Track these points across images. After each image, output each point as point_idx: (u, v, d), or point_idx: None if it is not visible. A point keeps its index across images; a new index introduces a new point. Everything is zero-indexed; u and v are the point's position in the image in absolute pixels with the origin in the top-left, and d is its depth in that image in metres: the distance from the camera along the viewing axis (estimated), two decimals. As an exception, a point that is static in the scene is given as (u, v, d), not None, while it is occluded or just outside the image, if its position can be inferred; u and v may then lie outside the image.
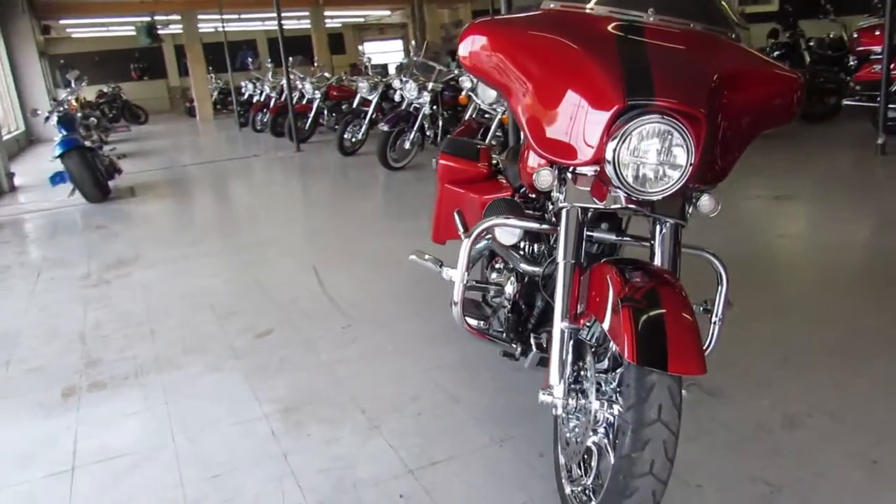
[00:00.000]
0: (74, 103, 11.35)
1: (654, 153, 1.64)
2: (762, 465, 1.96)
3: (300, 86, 10.35)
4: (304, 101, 10.45)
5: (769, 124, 1.97)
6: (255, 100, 13.38)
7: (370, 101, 8.56)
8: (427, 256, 2.36)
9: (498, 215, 2.07)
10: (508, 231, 2.02)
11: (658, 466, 1.43)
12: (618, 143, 1.61)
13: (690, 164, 1.63)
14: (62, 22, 18.10)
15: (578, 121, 1.71)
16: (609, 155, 1.63)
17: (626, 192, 1.68)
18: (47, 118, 7.46)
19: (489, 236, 2.12)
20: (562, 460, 1.85)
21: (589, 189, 1.79)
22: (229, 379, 2.77)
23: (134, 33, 18.04)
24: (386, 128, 7.02)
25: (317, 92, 10.15)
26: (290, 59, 10.34)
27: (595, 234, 1.90)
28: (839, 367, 2.50)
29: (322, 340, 3.07)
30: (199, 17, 17.20)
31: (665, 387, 1.44)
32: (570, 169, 1.80)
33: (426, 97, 7.40)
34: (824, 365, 2.52)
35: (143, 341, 3.24)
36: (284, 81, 9.85)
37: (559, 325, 1.71)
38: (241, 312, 3.53)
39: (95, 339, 3.32)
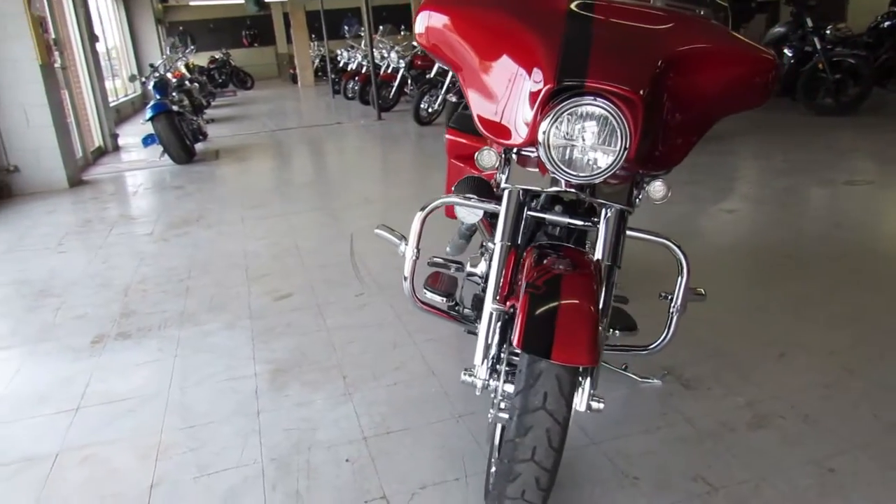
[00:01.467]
0: (182, 69, 12.03)
1: (587, 136, 1.60)
2: (709, 464, 1.89)
3: (386, 55, 10.48)
4: (390, 70, 10.58)
5: (735, 107, 1.86)
6: (349, 68, 13.68)
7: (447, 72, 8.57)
8: (393, 231, 2.38)
9: (461, 193, 2.08)
10: (468, 210, 2.02)
11: (540, 454, 1.42)
12: (549, 124, 1.58)
13: (625, 149, 1.58)
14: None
15: (516, 101, 1.70)
16: (540, 136, 1.60)
17: (560, 175, 1.65)
18: (144, 83, 7.97)
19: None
20: (494, 441, 1.86)
21: (537, 170, 1.77)
22: (237, 338, 2.93)
23: (243, 1, 18.76)
24: (454, 99, 7.01)
25: (401, 61, 10.25)
26: (381, 27, 10.50)
27: (538, 215, 1.87)
28: (837, 368, 2.35)
29: (332, 307, 3.18)
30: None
31: (553, 375, 1.42)
32: (515, 150, 1.78)
33: None
34: (822, 365, 2.37)
35: (176, 297, 3.47)
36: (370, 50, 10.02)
37: (489, 306, 1.72)
38: (270, 275, 3.70)
39: (137, 292, 3.59)
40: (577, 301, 1.47)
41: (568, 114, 1.58)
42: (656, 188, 1.74)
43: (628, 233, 1.88)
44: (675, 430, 2.06)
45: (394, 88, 10.32)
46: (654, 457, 1.94)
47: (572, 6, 1.75)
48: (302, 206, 5.27)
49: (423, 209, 1.98)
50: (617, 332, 2.15)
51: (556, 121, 1.59)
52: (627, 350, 2.01)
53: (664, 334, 1.95)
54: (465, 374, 1.69)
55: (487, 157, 1.79)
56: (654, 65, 1.62)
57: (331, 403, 2.35)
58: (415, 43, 11.60)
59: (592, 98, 1.57)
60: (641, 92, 1.56)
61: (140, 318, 3.22)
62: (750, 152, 6.16)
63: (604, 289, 1.69)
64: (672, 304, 1.94)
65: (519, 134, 1.69)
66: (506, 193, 1.79)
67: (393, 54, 10.35)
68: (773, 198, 4.53)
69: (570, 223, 1.89)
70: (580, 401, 1.63)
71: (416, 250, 1.97)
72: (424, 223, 1.97)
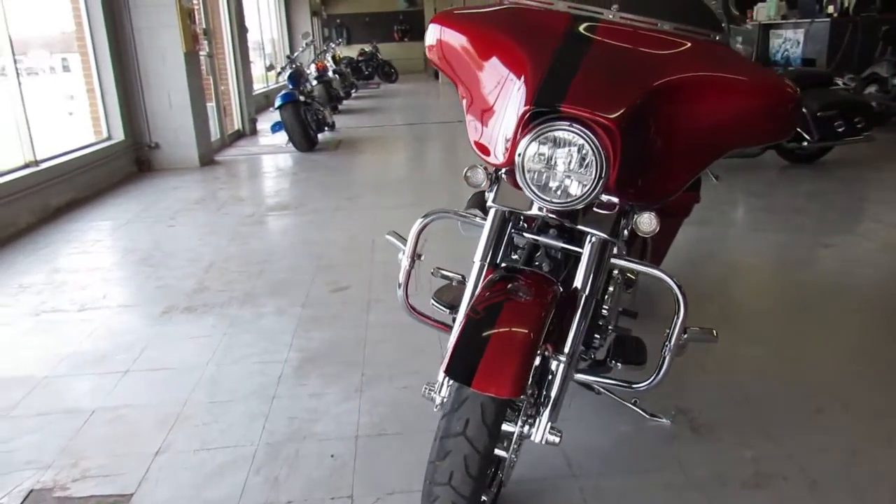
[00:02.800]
0: (329, 60, 12.64)
1: (560, 162, 1.56)
2: (683, 517, 1.78)
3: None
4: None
5: (745, 141, 1.74)
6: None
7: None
8: (401, 238, 2.38)
9: (471, 207, 2.09)
10: (464, 225, 2.02)
11: (457, 480, 1.41)
12: (524, 146, 1.56)
13: (600, 178, 1.52)
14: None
15: (500, 120, 1.69)
16: (517, 159, 1.58)
17: (535, 199, 1.63)
18: (279, 73, 8.49)
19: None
20: None
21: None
22: (284, 323, 3.10)
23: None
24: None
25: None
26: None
27: (529, 236, 1.84)
28: (877, 435, 2.11)
29: (380, 304, 3.27)
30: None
31: (478, 403, 1.41)
32: (504, 169, 1.77)
33: None
34: (861, 428, 2.14)
35: (248, 278, 3.71)
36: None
37: (458, 324, 1.72)
38: (337, 267, 3.86)
39: (217, 269, 3.88)
40: (512, 330, 1.44)
41: (543, 138, 1.55)
42: (643, 221, 1.66)
43: (624, 263, 1.81)
44: (663, 475, 1.95)
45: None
46: (628, 500, 1.86)
47: (574, 27, 1.71)
48: (396, 202, 5.42)
49: (422, 218, 2.01)
50: (618, 364, 2.07)
51: (530, 144, 1.56)
52: (617, 385, 1.93)
53: (654, 374, 1.85)
54: (425, 388, 1.70)
55: (475, 175, 1.78)
56: (641, 92, 1.55)
57: (340, 398, 2.43)
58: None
59: (568, 124, 1.53)
60: (618, 120, 1.50)
61: (209, 295, 3.48)
62: (882, 182, 5.58)
63: (576, 319, 1.64)
64: (665, 343, 1.84)
65: (499, 154, 1.68)
66: (490, 213, 1.78)
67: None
68: (881, 236, 4.10)
69: (561, 247, 1.83)
70: (537, 433, 1.60)
71: (410, 259, 2.00)
72: (421, 234, 1.99)
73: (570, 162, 1.56)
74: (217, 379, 2.61)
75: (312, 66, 11.82)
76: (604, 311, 2.08)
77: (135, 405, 2.44)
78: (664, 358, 1.86)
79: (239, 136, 9.34)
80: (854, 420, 2.19)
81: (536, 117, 1.57)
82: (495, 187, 1.79)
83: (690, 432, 2.14)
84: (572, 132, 1.53)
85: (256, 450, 2.14)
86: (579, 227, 1.72)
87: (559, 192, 1.59)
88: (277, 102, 7.63)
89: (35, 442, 2.23)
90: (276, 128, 7.95)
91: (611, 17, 1.70)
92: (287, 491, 1.94)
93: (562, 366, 1.63)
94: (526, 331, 1.44)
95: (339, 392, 2.47)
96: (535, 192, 1.61)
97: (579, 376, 2.00)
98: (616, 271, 2.21)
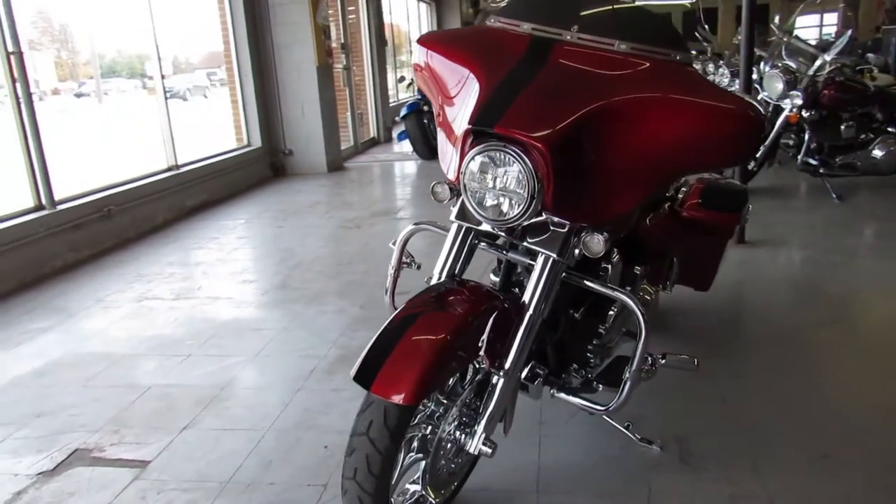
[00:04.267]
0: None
1: (494, 181, 1.61)
2: (628, 545, 1.73)
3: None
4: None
5: (701, 163, 1.69)
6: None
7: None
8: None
9: None
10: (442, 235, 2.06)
11: (360, 476, 1.51)
12: (465, 165, 1.63)
13: (532, 197, 1.56)
14: (490, -4, 20.37)
15: (453, 138, 1.76)
16: (460, 176, 1.66)
17: (478, 216, 1.69)
18: (409, 84, 8.88)
19: None
20: None
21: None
22: (338, 322, 3.31)
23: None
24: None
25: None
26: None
27: (491, 251, 1.88)
28: (880, 487, 1.91)
29: (431, 309, 3.39)
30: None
31: (381, 407, 1.49)
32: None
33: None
34: (863, 479, 1.94)
35: (326, 279, 3.98)
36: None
37: None
38: (408, 274, 4.02)
39: (302, 268, 4.19)
40: (419, 340, 1.51)
41: (480, 157, 1.61)
42: (591, 241, 1.67)
43: (589, 284, 1.81)
44: (628, 501, 1.91)
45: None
46: (582, 521, 1.84)
47: (533, 48, 1.74)
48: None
49: (405, 230, 2.11)
50: (601, 386, 2.06)
51: (470, 162, 1.62)
52: (586, 407, 1.92)
53: (616, 398, 1.83)
54: None
55: (439, 192, 1.86)
56: (578, 113, 1.56)
57: (355, 394, 2.58)
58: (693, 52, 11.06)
59: (502, 144, 1.57)
60: (549, 141, 1.52)
61: (286, 292, 3.78)
62: None
63: (518, 335, 1.67)
64: (626, 368, 1.82)
65: (451, 170, 1.75)
66: (452, 227, 1.85)
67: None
68: None
69: (527, 263, 1.86)
70: (472, 443, 1.66)
71: (395, 268, 2.11)
72: (406, 244, 2.09)
73: (506, 181, 1.60)
74: (260, 368, 2.86)
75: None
76: (600, 331, 2.07)
77: (182, 385, 2.74)
78: (625, 382, 1.83)
79: (373, 143, 9.85)
80: (859, 470, 1.99)
81: (479, 136, 1.63)
82: (458, 202, 1.86)
83: (678, 461, 2.06)
84: (505, 152, 1.57)
85: (264, 434, 2.34)
86: (525, 244, 1.75)
87: (493, 210, 1.64)
88: (402, 112, 7.99)
89: (95, 409, 2.59)
90: (401, 136, 8.33)
91: (569, 37, 1.71)
92: (274, 474, 2.12)
93: (501, 381, 1.67)
94: (434, 341, 1.51)
95: (355, 391, 2.62)
96: (475, 209, 1.67)
97: (560, 395, 2.01)
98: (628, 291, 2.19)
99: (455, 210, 1.85)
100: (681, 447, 2.13)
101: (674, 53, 1.68)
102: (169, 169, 5.93)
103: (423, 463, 1.70)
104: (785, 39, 5.22)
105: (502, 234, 1.76)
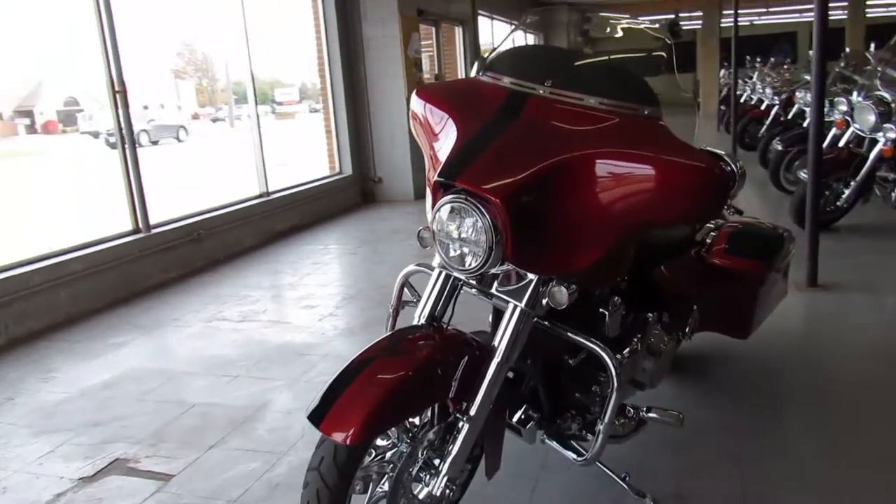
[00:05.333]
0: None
1: (455, 232, 1.68)
2: None
3: (759, 88, 9.71)
4: (763, 107, 9.75)
5: (665, 219, 1.68)
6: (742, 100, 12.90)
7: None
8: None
9: None
10: None
11: (313, 508, 1.59)
12: (434, 214, 1.71)
13: (489, 249, 1.62)
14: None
15: (430, 188, 1.84)
16: (431, 225, 1.74)
17: (445, 264, 1.75)
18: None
19: None
20: None
21: None
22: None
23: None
24: (780, 147, 6.30)
25: (776, 97, 9.35)
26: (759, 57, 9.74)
27: (474, 292, 1.92)
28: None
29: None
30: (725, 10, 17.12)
31: (332, 445, 1.58)
32: None
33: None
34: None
35: (381, 308, 4.12)
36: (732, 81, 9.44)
37: None
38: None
39: (361, 297, 4.36)
40: (371, 382, 1.59)
41: (448, 207, 1.68)
42: (555, 293, 1.69)
43: (561, 331, 1.83)
44: (603, 555, 1.88)
45: (764, 126, 9.46)
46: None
47: (508, 102, 1.80)
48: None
49: (403, 272, 2.19)
50: (588, 434, 2.05)
51: (438, 212, 1.70)
52: (566, 456, 1.92)
53: (590, 450, 1.83)
54: None
55: (426, 236, 1.93)
56: (537, 167, 1.61)
57: (374, 425, 2.68)
58: (807, 75, 10.47)
59: (463, 197, 1.64)
60: (505, 195, 1.57)
61: (335, 320, 3.95)
62: None
63: (485, 382, 1.71)
64: (599, 420, 1.81)
65: (429, 218, 1.83)
66: (434, 272, 1.92)
67: (767, 88, 9.50)
68: None
69: (501, 306, 1.87)
70: (435, 484, 1.71)
71: (393, 308, 2.19)
72: (405, 283, 2.17)
73: (468, 232, 1.66)
74: (295, 394, 3.02)
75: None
76: (601, 378, 2.07)
77: (222, 405, 2.95)
78: (598, 434, 1.82)
79: (466, 170, 10.01)
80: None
81: (448, 187, 1.70)
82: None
83: (665, 517, 2.01)
84: (464, 205, 1.64)
85: (280, 459, 2.49)
86: (493, 292, 1.79)
87: (457, 260, 1.70)
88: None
89: (142, 422, 2.83)
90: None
91: (542, 91, 1.75)
92: (277, 499, 2.25)
93: (465, 426, 1.71)
94: (385, 383, 1.58)
95: (376, 420, 2.72)
96: (443, 257, 1.74)
97: (548, 441, 2.03)
98: (635, 340, 2.18)
99: (437, 255, 1.92)
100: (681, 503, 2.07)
101: (642, 108, 1.68)
102: (260, 196, 6.33)
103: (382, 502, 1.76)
104: (880, 69, 4.89)
105: (472, 282, 1.81)
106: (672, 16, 18.01)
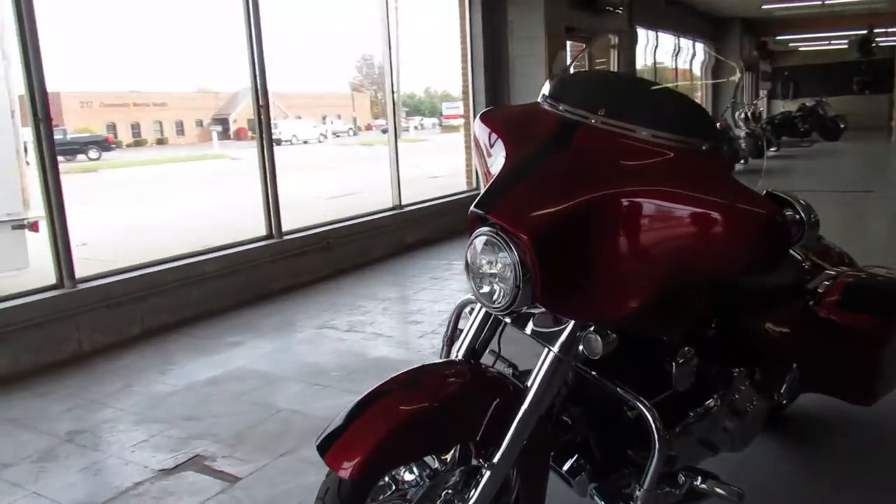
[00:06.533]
0: (731, 119, 12.19)
1: (486, 267, 1.60)
2: None
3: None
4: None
5: (715, 269, 1.48)
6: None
7: None
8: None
9: None
10: None
11: (318, 539, 1.56)
12: (467, 249, 1.65)
13: (517, 287, 1.52)
14: (781, 38, 18.85)
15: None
16: (466, 257, 1.67)
17: (477, 298, 1.67)
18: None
19: None
20: None
21: None
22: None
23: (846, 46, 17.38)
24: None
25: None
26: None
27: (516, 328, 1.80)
28: None
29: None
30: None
31: (336, 477, 1.54)
32: None
33: None
34: None
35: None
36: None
37: None
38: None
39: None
40: (381, 416, 1.53)
41: (480, 240, 1.60)
42: (590, 340, 1.57)
43: (599, 380, 1.69)
44: None
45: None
46: None
47: (559, 130, 1.68)
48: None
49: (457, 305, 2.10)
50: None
51: (471, 245, 1.63)
52: None
53: None
54: None
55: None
56: (573, 203, 1.48)
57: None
58: None
59: (495, 231, 1.56)
60: (534, 232, 1.47)
61: (434, 338, 3.92)
62: None
63: (511, 429, 1.61)
64: (636, 485, 1.65)
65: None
66: (477, 306, 1.84)
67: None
68: None
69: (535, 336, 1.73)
70: None
71: (445, 344, 2.10)
72: (459, 316, 2.09)
73: (499, 268, 1.57)
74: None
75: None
76: (667, 436, 1.88)
77: (305, 413, 3.02)
78: (635, 500, 1.65)
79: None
80: None
81: (485, 219, 1.62)
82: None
83: None
84: (495, 239, 1.55)
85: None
86: (526, 332, 1.68)
87: (487, 297, 1.61)
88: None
89: (230, 422, 2.97)
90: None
91: (594, 121, 1.62)
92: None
93: (487, 472, 1.62)
94: (394, 419, 1.52)
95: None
96: (475, 293, 1.65)
97: (594, 496, 1.88)
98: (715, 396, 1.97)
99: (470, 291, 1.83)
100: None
101: (700, 142, 1.50)
102: (393, 208, 6.50)
103: None
104: None
105: (507, 320, 1.71)
106: (864, 31, 16.39)
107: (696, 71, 15.67)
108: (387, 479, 1.75)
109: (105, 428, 2.98)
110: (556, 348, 1.60)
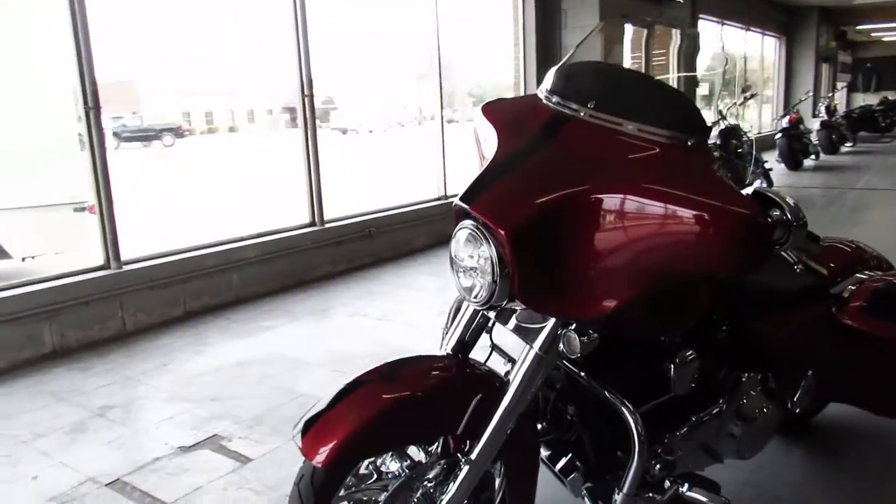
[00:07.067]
0: (795, 113, 11.71)
1: (467, 260, 1.60)
2: None
3: None
4: None
5: (691, 268, 1.43)
6: None
7: None
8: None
9: None
10: None
11: (293, 526, 1.59)
12: (452, 241, 1.65)
13: (494, 282, 1.51)
14: (862, 27, 17.90)
15: None
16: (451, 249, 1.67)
17: (459, 291, 1.67)
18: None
19: None
20: None
21: None
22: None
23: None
24: None
25: None
26: None
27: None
28: None
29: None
30: None
31: (310, 467, 1.56)
32: None
33: None
34: None
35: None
36: None
37: None
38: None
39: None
40: (355, 407, 1.55)
41: (462, 233, 1.60)
42: (569, 339, 1.54)
43: (581, 380, 1.67)
44: None
45: None
46: None
47: (549, 124, 1.66)
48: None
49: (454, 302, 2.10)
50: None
51: (454, 237, 1.63)
52: None
53: None
54: None
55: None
56: (552, 198, 1.46)
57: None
58: None
59: (475, 225, 1.55)
60: (511, 229, 1.45)
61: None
62: None
63: (490, 426, 1.60)
64: (616, 488, 1.62)
65: (455, 243, 1.75)
66: (463, 303, 1.83)
67: None
68: None
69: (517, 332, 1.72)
70: None
71: (445, 330, 2.11)
72: (458, 308, 2.09)
73: (479, 261, 1.56)
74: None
75: (784, 120, 11.21)
76: (665, 438, 1.84)
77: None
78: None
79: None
80: None
81: (468, 213, 1.60)
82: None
83: None
84: (474, 233, 1.54)
85: (348, 461, 2.53)
86: (508, 328, 1.67)
87: (466, 290, 1.60)
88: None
89: (251, 404, 3.05)
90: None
91: (582, 114, 1.58)
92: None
93: (465, 468, 1.62)
94: (371, 410, 1.53)
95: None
96: (458, 286, 1.65)
97: (585, 497, 1.86)
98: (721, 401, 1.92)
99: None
100: None
101: (686, 137, 1.44)
102: (438, 199, 6.51)
103: None
104: None
105: (490, 315, 1.70)
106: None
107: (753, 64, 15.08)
108: (370, 468, 1.78)
109: (136, 404, 3.11)
110: (536, 346, 1.59)
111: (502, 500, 1.82)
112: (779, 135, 10.78)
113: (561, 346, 1.56)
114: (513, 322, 1.67)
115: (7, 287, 3.75)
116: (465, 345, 1.83)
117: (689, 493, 1.73)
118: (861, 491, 2.25)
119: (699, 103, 1.88)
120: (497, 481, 1.85)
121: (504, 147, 1.65)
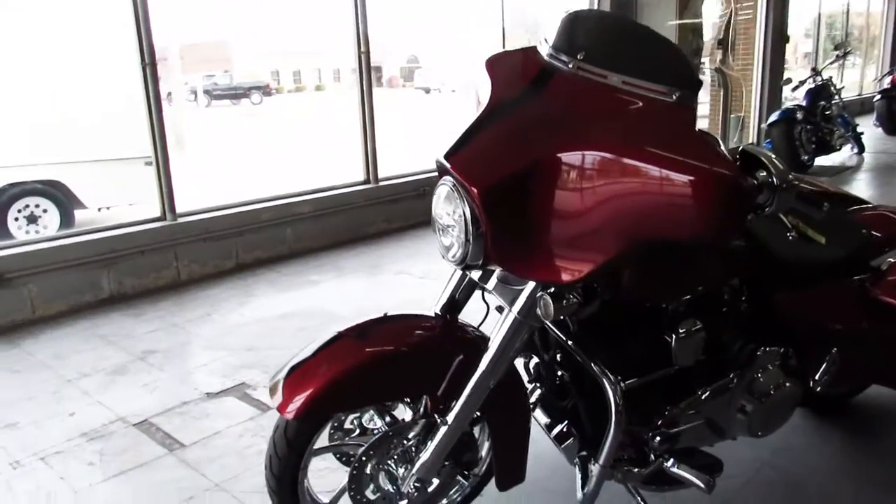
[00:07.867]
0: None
1: (444, 219, 1.56)
2: None
3: None
4: None
5: (667, 231, 1.33)
6: None
7: None
8: None
9: None
10: None
11: (267, 472, 1.63)
12: (433, 198, 1.61)
13: (466, 241, 1.47)
14: None
15: None
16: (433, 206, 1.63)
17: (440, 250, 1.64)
18: (795, 88, 7.79)
19: None
20: None
21: None
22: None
23: None
24: None
25: None
26: None
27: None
28: None
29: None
30: None
31: (285, 421, 1.58)
32: None
33: None
34: None
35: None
36: None
37: None
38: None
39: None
40: (329, 361, 1.56)
41: (442, 189, 1.56)
42: (545, 303, 1.48)
43: (563, 345, 1.61)
44: None
45: None
46: None
47: (538, 77, 1.57)
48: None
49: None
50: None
51: (435, 193, 1.59)
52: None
53: (585, 486, 1.59)
54: None
55: None
56: (530, 159, 1.40)
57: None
58: None
59: (452, 182, 1.50)
60: (484, 187, 1.40)
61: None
62: None
63: (468, 387, 1.57)
64: (592, 458, 1.56)
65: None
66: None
67: None
68: None
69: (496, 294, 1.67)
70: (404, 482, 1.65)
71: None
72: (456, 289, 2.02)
73: (455, 219, 1.51)
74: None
75: (887, 80, 10.38)
76: (665, 409, 1.77)
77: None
78: (591, 478, 1.57)
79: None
80: None
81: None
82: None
83: None
84: (450, 189, 1.49)
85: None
86: (486, 288, 1.62)
87: (444, 249, 1.57)
88: (771, 118, 7.12)
89: (282, 355, 3.08)
90: (767, 144, 7.42)
91: (570, 66, 1.48)
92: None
93: (441, 428, 1.60)
94: (345, 364, 1.53)
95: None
96: (439, 245, 1.61)
97: (576, 466, 1.81)
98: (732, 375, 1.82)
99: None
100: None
101: (672, 91, 1.33)
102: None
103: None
104: None
105: (469, 274, 1.66)
106: None
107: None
108: (355, 423, 1.79)
109: (176, 350, 3.24)
110: (515, 309, 1.53)
111: (492, 463, 1.80)
112: (878, 96, 9.97)
113: (538, 309, 1.50)
114: (493, 282, 1.62)
115: (71, 234, 3.97)
116: (454, 305, 1.80)
117: (672, 469, 1.65)
118: (891, 480, 2.09)
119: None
120: (485, 444, 1.83)
121: (492, 102, 1.58)
